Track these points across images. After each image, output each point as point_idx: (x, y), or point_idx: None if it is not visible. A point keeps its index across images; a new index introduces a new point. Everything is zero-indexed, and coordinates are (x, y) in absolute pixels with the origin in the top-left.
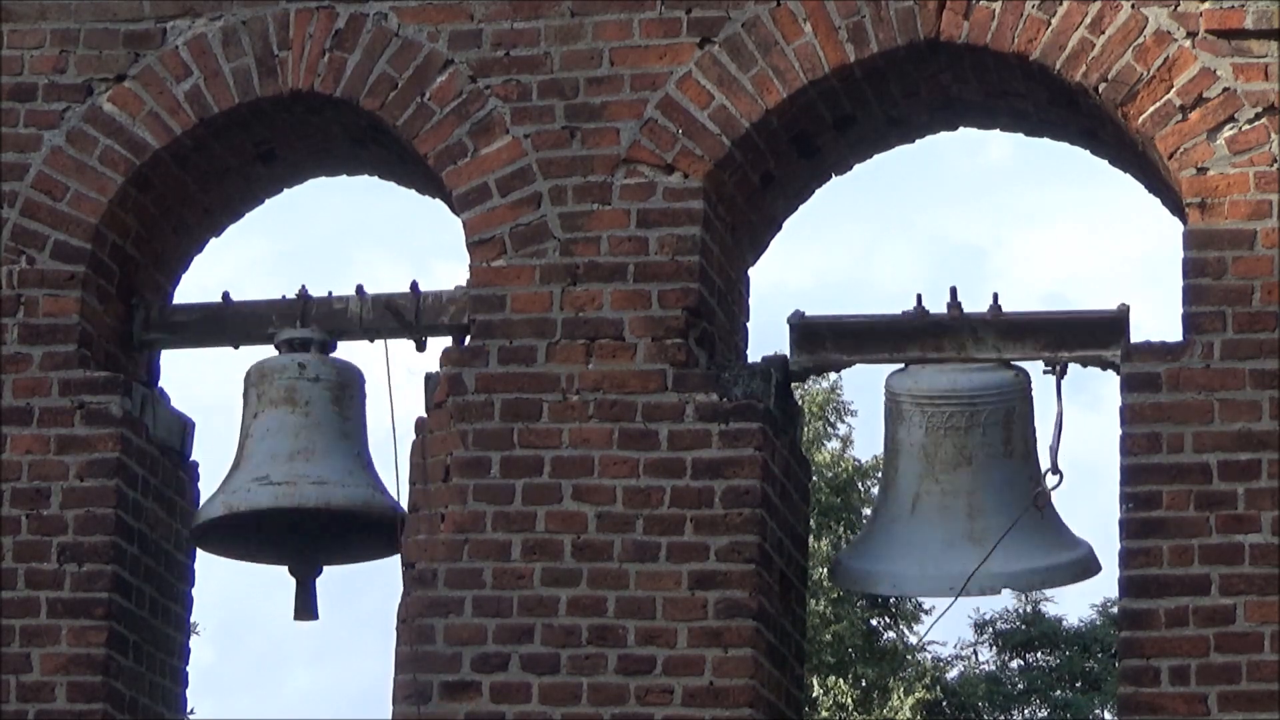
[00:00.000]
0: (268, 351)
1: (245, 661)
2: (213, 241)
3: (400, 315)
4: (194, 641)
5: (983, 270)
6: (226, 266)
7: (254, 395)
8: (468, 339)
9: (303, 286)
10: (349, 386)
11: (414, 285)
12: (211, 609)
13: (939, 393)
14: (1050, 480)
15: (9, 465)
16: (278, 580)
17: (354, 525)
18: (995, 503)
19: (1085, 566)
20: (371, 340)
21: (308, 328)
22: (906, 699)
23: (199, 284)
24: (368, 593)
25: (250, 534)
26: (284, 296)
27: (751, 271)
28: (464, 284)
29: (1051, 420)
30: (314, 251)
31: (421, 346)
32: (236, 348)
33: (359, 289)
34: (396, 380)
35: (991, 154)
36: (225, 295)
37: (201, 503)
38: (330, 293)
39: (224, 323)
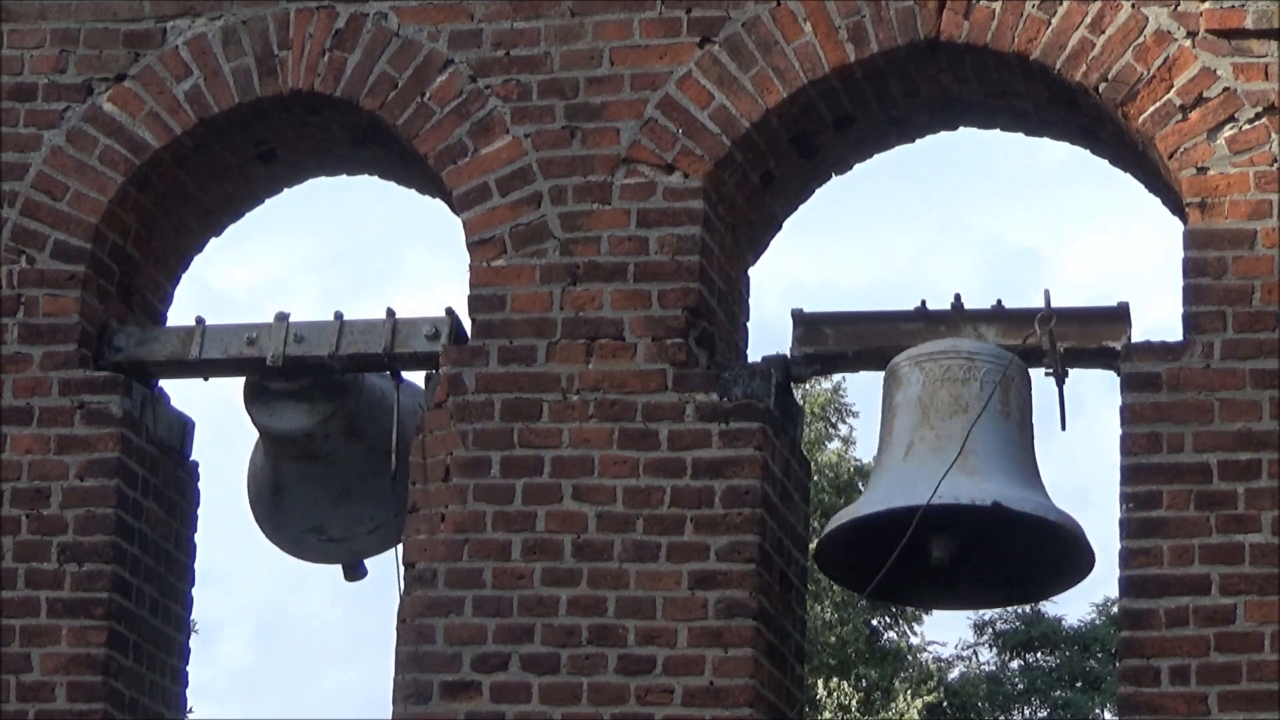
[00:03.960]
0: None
1: (279, 663)
2: (264, 238)
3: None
4: (230, 644)
5: (1038, 273)
6: (275, 264)
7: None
8: (466, 341)
9: (285, 313)
10: (357, 417)
11: (390, 312)
12: (245, 611)
13: (938, 350)
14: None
15: (9, 465)
16: (305, 581)
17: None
18: (990, 449)
19: (1078, 536)
20: (342, 374)
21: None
22: (914, 702)
23: (246, 281)
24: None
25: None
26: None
27: (802, 270)
28: (440, 314)
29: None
30: (363, 251)
31: (397, 377)
32: (206, 379)
33: (337, 314)
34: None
35: (1048, 154)
36: (199, 319)
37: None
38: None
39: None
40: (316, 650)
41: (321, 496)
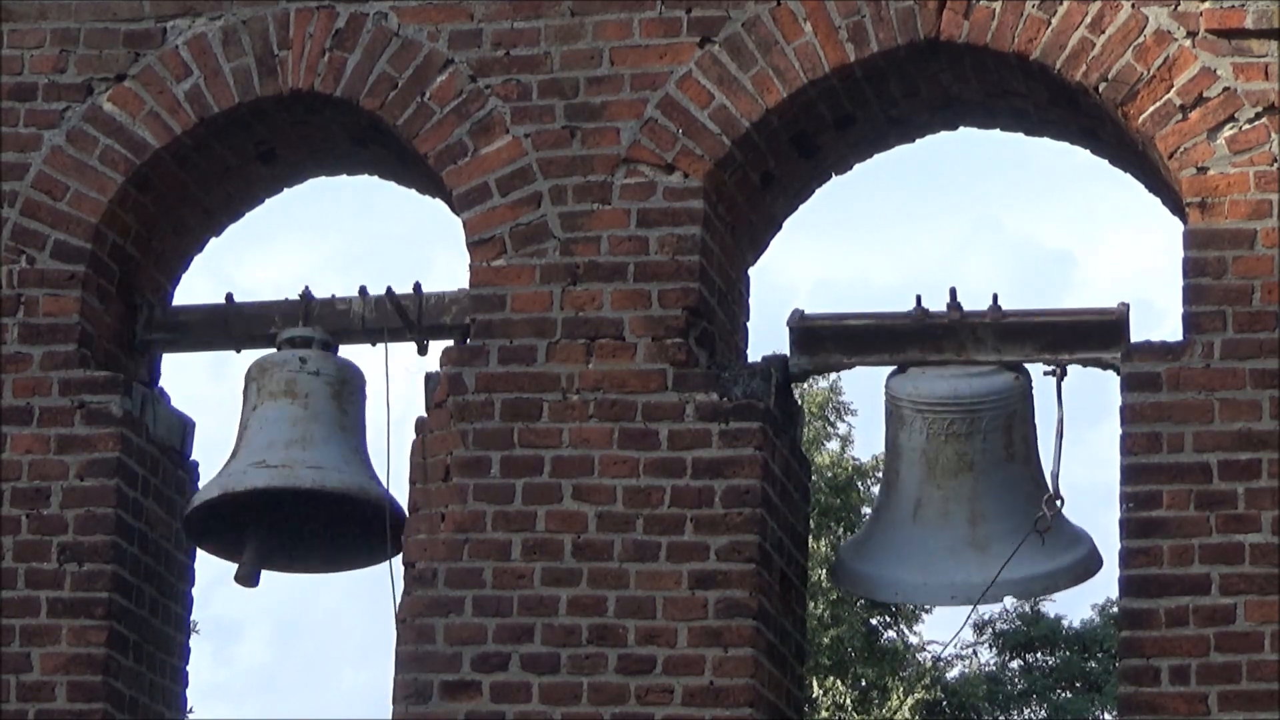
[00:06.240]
0: (269, 352)
1: (298, 662)
2: (290, 237)
3: (404, 313)
4: (250, 644)
5: (1070, 275)
6: (302, 263)
7: (254, 389)
8: (468, 339)
9: (305, 288)
10: (349, 383)
11: (417, 286)
12: (265, 612)
13: (940, 399)
14: (1053, 506)
15: (9, 465)
16: (324, 582)
17: (348, 525)
18: (997, 509)
19: (1086, 567)
20: (374, 344)
21: (310, 327)
22: (905, 699)
23: (272, 280)
24: None
25: (243, 527)
26: (286, 298)
27: (831, 269)
28: (466, 286)
29: (1054, 430)
30: (391, 251)
31: (423, 350)
32: (239, 351)
33: (362, 290)
34: (396, 381)
35: (1081, 152)
36: (229, 296)
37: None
38: (333, 294)
39: (227, 324)
40: (334, 650)
41: (279, 439)
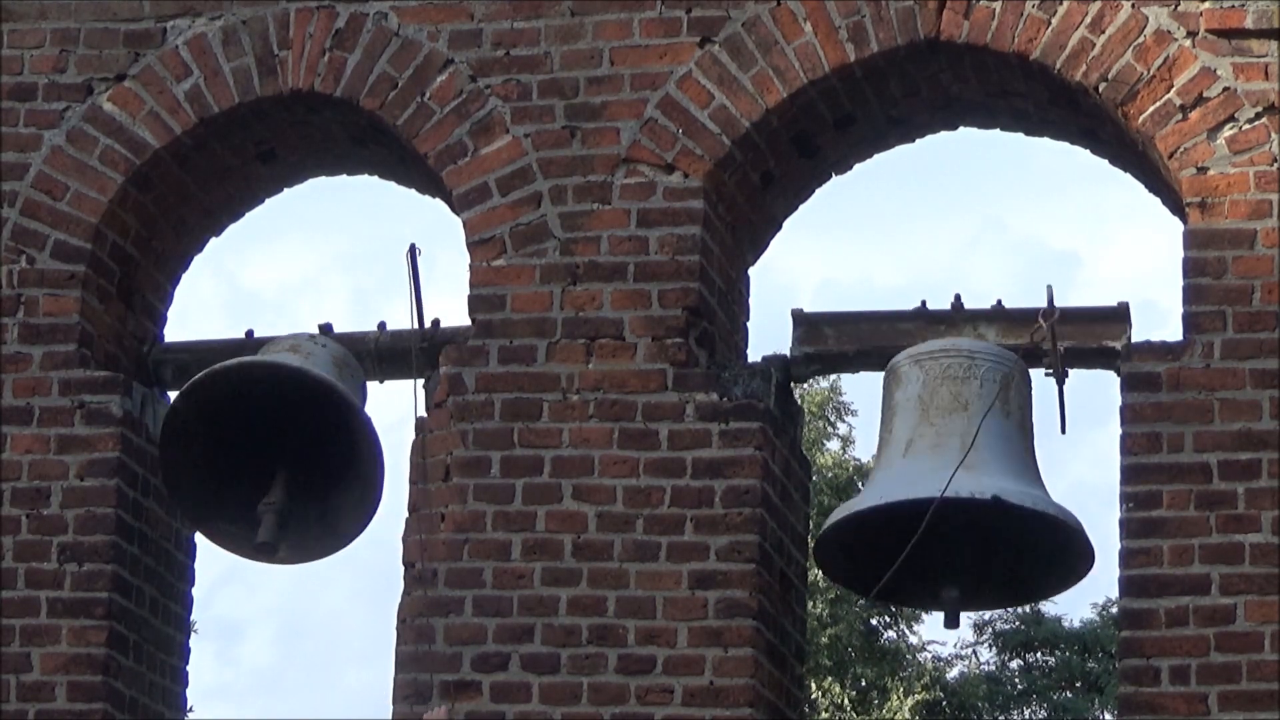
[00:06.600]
0: None
1: (302, 663)
2: (290, 237)
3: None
4: (253, 644)
5: (1075, 275)
6: (306, 263)
7: (260, 355)
8: (468, 339)
9: (328, 324)
10: (350, 367)
11: (436, 322)
12: (269, 612)
13: (939, 349)
14: (1049, 318)
15: (9, 465)
16: (328, 582)
17: (344, 476)
18: (991, 447)
19: (1081, 537)
20: (382, 381)
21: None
22: (905, 700)
23: (276, 280)
24: None
25: (252, 511)
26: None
27: (837, 269)
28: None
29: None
30: (391, 251)
31: (429, 382)
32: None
33: (381, 325)
34: (399, 392)
35: (1086, 153)
36: (249, 332)
37: None
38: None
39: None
40: (338, 650)
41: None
